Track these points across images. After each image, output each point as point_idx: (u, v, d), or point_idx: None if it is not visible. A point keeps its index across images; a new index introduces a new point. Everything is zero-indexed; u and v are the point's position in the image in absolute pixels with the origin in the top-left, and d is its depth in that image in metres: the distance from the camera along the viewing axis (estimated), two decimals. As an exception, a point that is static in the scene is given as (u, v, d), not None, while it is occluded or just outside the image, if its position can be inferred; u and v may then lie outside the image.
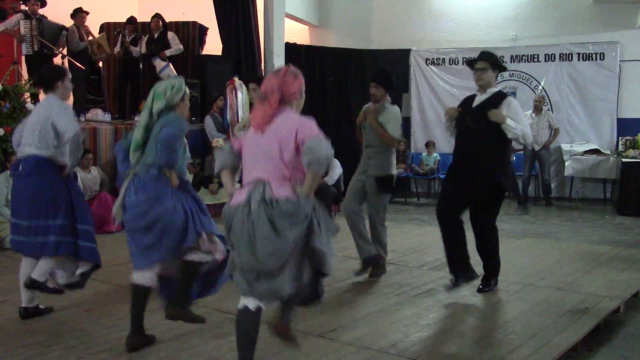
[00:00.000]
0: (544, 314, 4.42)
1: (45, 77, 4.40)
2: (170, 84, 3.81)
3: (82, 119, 8.75)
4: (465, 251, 4.92)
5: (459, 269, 4.89)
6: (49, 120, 4.21)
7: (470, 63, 4.94)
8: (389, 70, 5.84)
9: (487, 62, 4.82)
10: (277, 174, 3.05)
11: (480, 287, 4.97)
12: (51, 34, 8.75)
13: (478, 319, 4.37)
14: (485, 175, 4.72)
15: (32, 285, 4.20)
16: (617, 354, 3.99)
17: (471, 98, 4.97)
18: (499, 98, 4.78)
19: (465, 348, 3.80)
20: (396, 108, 5.46)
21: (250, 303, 3.10)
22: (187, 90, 3.88)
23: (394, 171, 5.53)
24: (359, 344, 3.78)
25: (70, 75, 4.48)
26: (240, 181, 3.30)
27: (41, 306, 4.39)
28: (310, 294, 3.24)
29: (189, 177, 8.49)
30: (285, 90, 3.13)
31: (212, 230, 3.82)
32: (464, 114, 4.87)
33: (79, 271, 4.39)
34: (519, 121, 4.69)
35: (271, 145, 3.06)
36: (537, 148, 10.55)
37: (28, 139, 4.26)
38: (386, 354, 3.67)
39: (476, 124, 4.74)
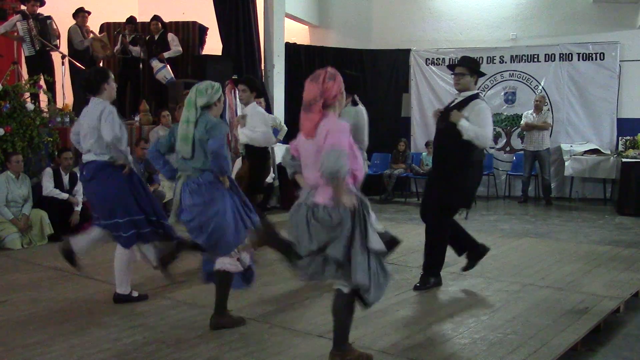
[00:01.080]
0: (544, 314, 4.42)
1: (91, 81, 4.60)
2: (210, 84, 4.08)
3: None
4: (461, 233, 5.22)
5: (465, 248, 5.26)
6: (94, 125, 4.46)
7: (451, 67, 5.18)
8: (348, 72, 5.79)
9: (465, 67, 5.01)
10: (321, 180, 3.19)
11: (416, 284, 5.11)
12: (45, 29, 8.74)
13: (478, 319, 4.37)
14: (444, 175, 4.98)
15: (119, 300, 4.60)
16: (617, 354, 3.99)
17: (453, 100, 5.20)
18: (468, 100, 4.95)
19: (465, 348, 3.80)
20: (352, 108, 5.35)
21: (340, 287, 3.33)
22: (222, 95, 4.15)
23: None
24: (359, 344, 3.78)
25: (112, 75, 4.69)
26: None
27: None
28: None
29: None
30: (326, 96, 3.23)
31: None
32: (440, 115, 5.12)
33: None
34: (478, 123, 4.78)
35: (315, 152, 3.20)
36: (538, 148, 10.56)
37: (87, 145, 4.55)
38: (386, 354, 3.67)
39: (442, 124, 5.01)
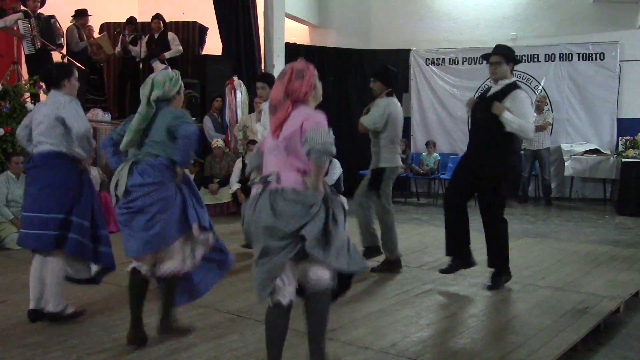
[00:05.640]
0: (544, 314, 4.42)
1: (52, 74, 4.40)
2: (168, 75, 3.86)
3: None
4: (465, 237, 5.08)
5: (456, 252, 5.12)
6: (58, 117, 4.19)
7: (485, 57, 5.09)
8: (389, 67, 5.88)
9: (500, 55, 4.96)
10: (286, 166, 3.06)
11: (489, 284, 5.03)
12: (47, 29, 8.73)
13: (478, 319, 4.37)
14: (488, 165, 4.88)
15: (52, 318, 4.15)
16: (617, 354, 3.99)
17: (488, 89, 5.16)
18: (507, 90, 4.89)
19: (465, 348, 3.80)
20: (384, 100, 5.54)
21: (285, 298, 3.10)
22: (182, 84, 3.95)
23: (390, 164, 5.56)
24: (359, 344, 3.78)
25: (77, 74, 4.47)
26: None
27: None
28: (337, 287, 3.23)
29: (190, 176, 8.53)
30: (294, 95, 3.09)
31: (206, 224, 3.85)
32: (477, 104, 5.06)
33: (93, 269, 4.39)
34: (520, 114, 4.77)
35: (283, 140, 3.08)
36: (537, 147, 10.56)
37: (40, 137, 4.25)
38: (386, 354, 3.67)
39: (482, 113, 4.93)
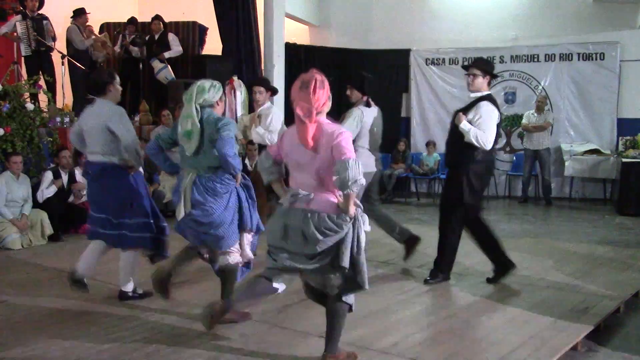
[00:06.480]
0: (544, 314, 4.42)
1: (97, 82, 4.59)
2: (211, 83, 4.08)
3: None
4: (492, 244, 5.23)
5: (495, 261, 5.24)
6: (106, 127, 4.41)
7: (465, 67, 5.34)
8: (365, 74, 5.90)
9: (477, 69, 5.13)
10: (320, 187, 3.19)
11: (427, 278, 5.24)
12: (39, 29, 8.73)
13: (478, 319, 4.37)
14: (454, 173, 5.15)
15: (122, 297, 4.60)
16: (617, 354, 3.99)
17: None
18: (476, 102, 5.07)
19: (465, 348, 3.80)
20: (357, 111, 5.52)
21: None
22: (223, 93, 4.18)
23: (364, 169, 5.56)
24: (359, 344, 3.78)
25: (118, 78, 4.65)
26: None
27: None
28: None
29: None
30: (318, 106, 3.19)
31: (254, 227, 4.22)
32: (454, 116, 5.23)
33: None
34: (479, 125, 4.92)
35: (315, 160, 3.17)
36: (537, 147, 10.55)
37: (94, 147, 4.51)
38: (386, 354, 3.67)
39: (452, 124, 5.17)
